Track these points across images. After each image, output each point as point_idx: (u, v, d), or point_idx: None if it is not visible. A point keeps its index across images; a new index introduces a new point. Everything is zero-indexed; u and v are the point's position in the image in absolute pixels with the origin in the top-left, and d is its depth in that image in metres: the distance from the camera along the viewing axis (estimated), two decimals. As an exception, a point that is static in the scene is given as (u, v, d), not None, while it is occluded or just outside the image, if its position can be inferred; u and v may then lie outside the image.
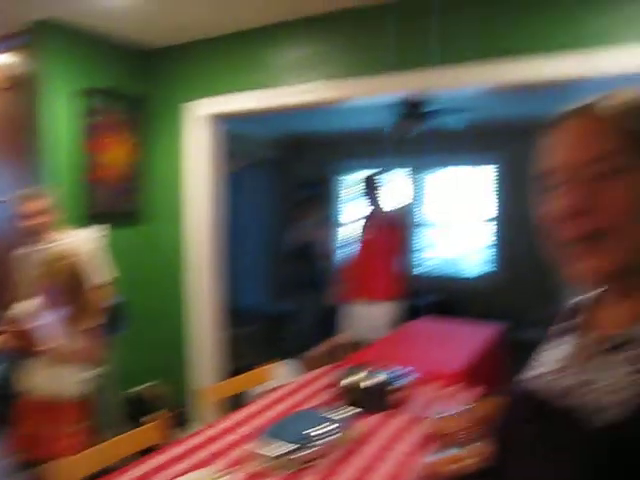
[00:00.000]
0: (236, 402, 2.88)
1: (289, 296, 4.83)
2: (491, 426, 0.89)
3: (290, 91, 3.12)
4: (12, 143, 3.38)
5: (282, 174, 7.61)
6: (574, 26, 2.40)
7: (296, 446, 1.61)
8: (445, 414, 1.09)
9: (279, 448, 1.62)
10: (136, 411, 3.40)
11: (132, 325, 3.25)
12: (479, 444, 1.01)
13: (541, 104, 2.43)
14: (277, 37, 3.20)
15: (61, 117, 3.21)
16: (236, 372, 2.70)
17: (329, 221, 5.54)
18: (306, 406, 2.12)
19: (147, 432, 1.90)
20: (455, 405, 1.11)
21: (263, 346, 4.40)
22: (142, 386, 3.56)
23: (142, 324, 3.56)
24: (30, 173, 3.25)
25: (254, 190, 7.66)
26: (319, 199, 6.74)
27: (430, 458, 1.09)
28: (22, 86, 3.29)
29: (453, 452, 1.07)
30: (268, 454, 1.63)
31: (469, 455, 1.05)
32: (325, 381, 2.44)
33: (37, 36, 3.18)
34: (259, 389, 3.03)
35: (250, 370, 2.66)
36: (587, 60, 2.32)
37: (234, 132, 3.79)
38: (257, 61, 3.28)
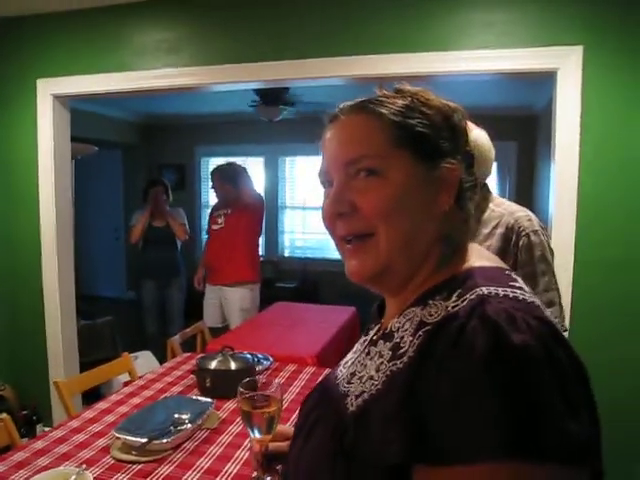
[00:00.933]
0: (97, 395, 2.81)
1: (146, 283, 4.71)
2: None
3: (144, 75, 3.04)
4: None
5: (140, 158, 7.36)
6: (414, 30, 2.62)
7: (152, 435, 1.63)
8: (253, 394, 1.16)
9: (134, 439, 1.63)
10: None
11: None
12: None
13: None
14: (135, 17, 3.07)
15: None
16: (94, 364, 2.63)
17: (187, 207, 5.46)
18: (166, 394, 2.14)
19: (-7, 434, 1.81)
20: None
21: (121, 336, 4.26)
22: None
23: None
24: None
25: (108, 175, 7.33)
26: (177, 184, 6.63)
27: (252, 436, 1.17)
28: None
29: (257, 433, 1.15)
30: (124, 445, 1.64)
31: (273, 437, 1.11)
32: (184, 368, 2.47)
33: None
34: (120, 380, 2.98)
35: (108, 361, 2.60)
36: (421, 60, 2.57)
37: (85, 113, 3.60)
38: (111, 41, 3.12)
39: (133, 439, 1.63)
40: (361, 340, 0.87)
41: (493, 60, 2.49)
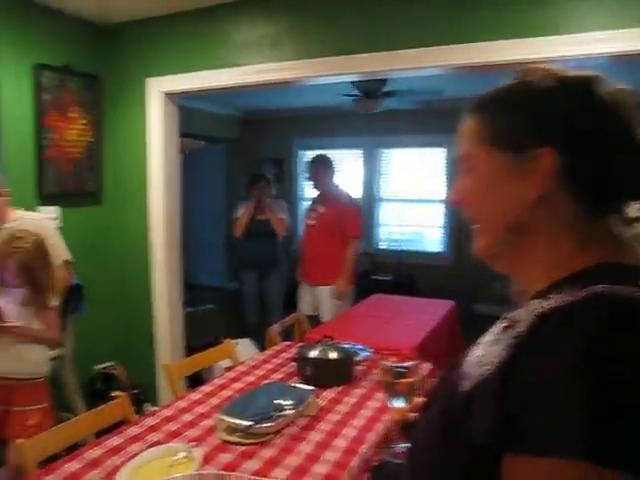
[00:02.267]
0: (198, 379, 2.94)
1: (247, 274, 4.87)
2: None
3: (248, 70, 3.12)
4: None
5: (241, 152, 7.59)
6: (523, 15, 2.49)
7: (255, 420, 1.68)
8: (394, 366, 1.19)
9: (239, 422, 1.68)
10: (96, 390, 3.42)
11: (91, 305, 3.24)
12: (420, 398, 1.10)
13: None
14: (237, 15, 3.17)
15: (12, 95, 3.12)
16: (197, 350, 2.75)
17: (285, 200, 5.57)
18: (266, 381, 2.19)
19: (111, 410, 1.94)
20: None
21: (222, 323, 4.43)
22: (102, 365, 3.56)
23: (102, 304, 3.56)
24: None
25: (211, 169, 7.63)
26: (276, 176, 6.77)
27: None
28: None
29: (398, 403, 1.16)
30: (229, 427, 1.70)
31: (411, 408, 1.13)
32: (284, 357, 2.52)
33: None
34: (220, 366, 3.09)
35: (210, 347, 2.72)
36: (534, 45, 2.41)
37: (191, 110, 3.76)
38: (215, 39, 3.24)
39: (237, 422, 1.68)
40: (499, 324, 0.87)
41: (608, 42, 2.31)
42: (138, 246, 3.63)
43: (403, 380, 1.18)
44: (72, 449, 1.67)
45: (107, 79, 3.61)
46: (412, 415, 1.10)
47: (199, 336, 3.98)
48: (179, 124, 3.62)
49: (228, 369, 2.50)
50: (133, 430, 1.76)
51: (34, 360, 2.32)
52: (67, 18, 3.36)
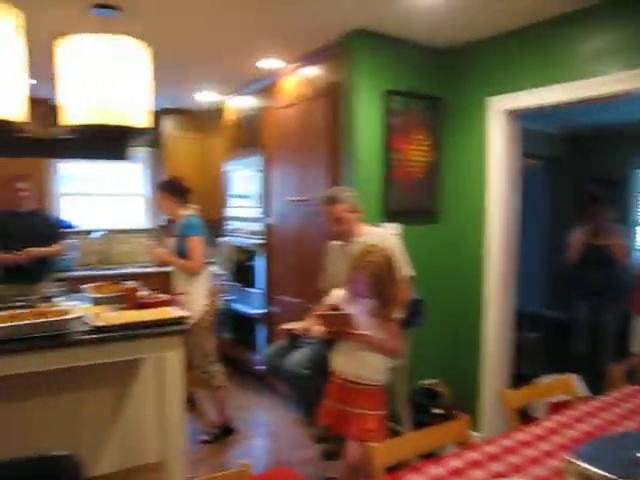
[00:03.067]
0: (523, 410, 2.78)
1: (576, 303, 4.46)
2: None
3: (589, 83, 2.87)
4: (323, 146, 3.77)
5: (566, 171, 7.09)
6: None
7: (616, 473, 1.47)
8: None
9: (596, 471, 1.49)
10: (417, 405, 3.51)
11: (426, 321, 3.34)
12: None
13: None
14: (576, 25, 2.96)
15: (366, 120, 3.47)
16: (521, 379, 2.60)
17: (624, 223, 4.97)
18: (620, 428, 1.93)
19: (452, 428, 1.94)
20: None
21: (548, 354, 4.15)
22: (427, 381, 3.65)
23: (433, 321, 3.64)
24: (338, 173, 3.59)
25: (535, 189, 7.29)
26: (611, 198, 6.10)
27: None
28: (331, 93, 3.66)
29: None
30: (581, 474, 1.53)
31: None
32: (636, 403, 2.20)
33: (347, 45, 3.49)
34: (551, 400, 2.87)
35: (535, 378, 2.54)
36: None
37: (525, 128, 3.63)
38: (554, 53, 3.08)
39: (595, 470, 1.50)
40: None
41: None
42: (472, 268, 3.64)
43: None
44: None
45: (447, 100, 3.74)
46: None
47: (526, 364, 3.78)
48: (521, 143, 3.53)
49: (557, 405, 2.29)
50: (472, 455, 1.71)
51: (375, 367, 2.48)
52: (410, 45, 3.60)
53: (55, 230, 4.43)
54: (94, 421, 3.14)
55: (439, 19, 3.20)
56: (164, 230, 4.09)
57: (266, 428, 4.12)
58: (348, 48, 3.50)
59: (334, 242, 3.13)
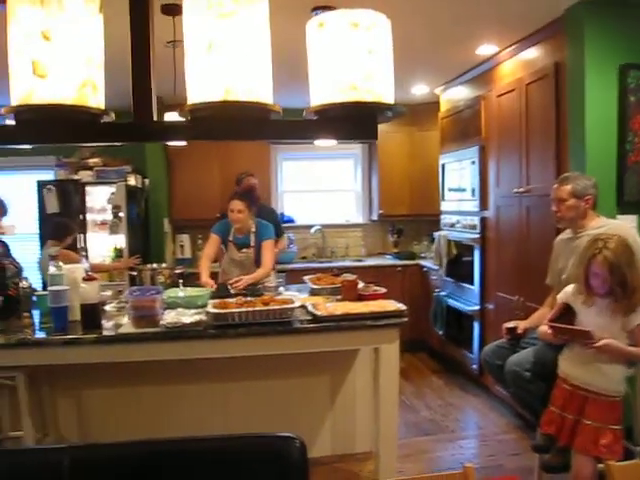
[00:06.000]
0: None
1: None
2: None
3: None
4: (547, 132, 3.50)
5: None
6: None
7: None
8: None
9: None
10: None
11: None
12: None
13: None
14: None
15: (598, 100, 3.11)
16: None
17: None
18: None
19: None
20: None
21: None
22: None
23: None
24: (564, 161, 3.30)
25: None
26: None
27: None
28: (555, 74, 3.37)
29: None
30: None
31: None
32: None
33: (572, 20, 3.17)
34: None
35: None
36: None
37: None
38: None
39: None
40: None
41: None
42: None
43: None
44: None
45: None
46: None
47: None
48: None
49: None
50: None
51: (612, 376, 2.22)
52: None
53: (280, 225, 4.77)
54: (311, 406, 3.31)
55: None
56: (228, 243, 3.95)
57: (478, 430, 3.96)
58: (574, 23, 3.17)
59: (561, 237, 2.88)
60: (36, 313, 2.83)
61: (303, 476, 1.22)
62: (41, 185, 5.13)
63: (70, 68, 0.82)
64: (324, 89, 0.89)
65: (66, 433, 3.03)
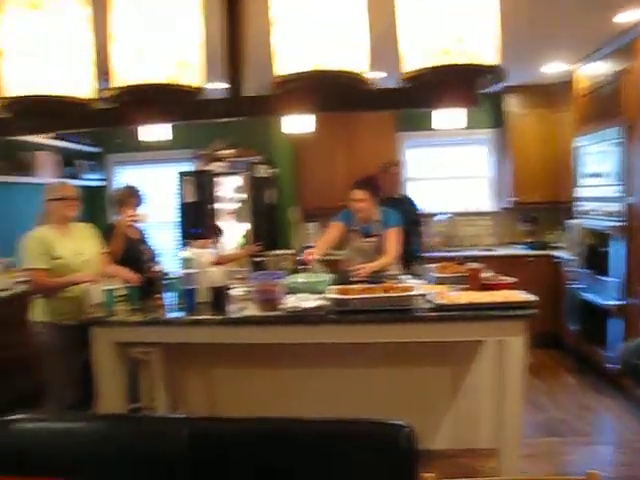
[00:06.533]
0: None
1: None
2: None
3: None
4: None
5: None
6: None
7: None
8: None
9: None
10: None
11: None
12: None
13: None
14: None
15: None
16: None
17: None
18: None
19: None
20: None
21: None
22: None
23: None
24: None
25: None
26: None
27: None
28: None
29: None
30: None
31: None
32: None
33: None
34: None
35: None
36: None
37: None
38: None
39: None
40: None
41: None
42: None
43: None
44: None
45: None
46: None
47: None
48: None
49: None
50: None
51: None
52: None
53: (419, 215, 4.74)
54: (430, 397, 3.23)
55: None
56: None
57: (615, 436, 3.65)
58: None
59: None
60: (167, 295, 3.04)
61: (410, 463, 1.20)
62: (182, 176, 5.53)
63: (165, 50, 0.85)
64: (418, 54, 0.84)
65: (194, 408, 3.23)
